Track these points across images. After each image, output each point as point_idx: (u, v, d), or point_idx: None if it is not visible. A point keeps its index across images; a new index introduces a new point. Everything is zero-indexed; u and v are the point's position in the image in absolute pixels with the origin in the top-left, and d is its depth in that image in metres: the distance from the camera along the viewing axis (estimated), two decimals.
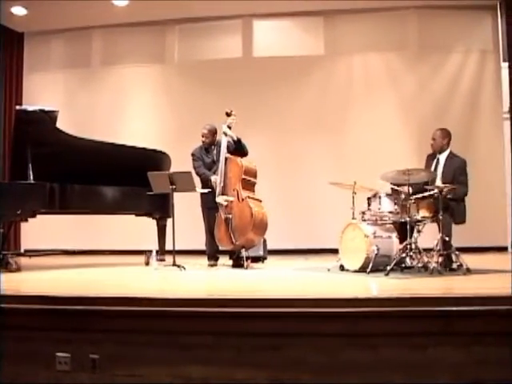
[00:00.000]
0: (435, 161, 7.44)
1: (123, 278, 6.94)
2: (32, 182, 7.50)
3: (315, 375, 4.30)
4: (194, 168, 8.16)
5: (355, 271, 6.98)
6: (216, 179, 8.02)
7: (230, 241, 7.85)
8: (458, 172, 7.21)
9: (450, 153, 7.40)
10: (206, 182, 8.17)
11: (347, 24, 11.44)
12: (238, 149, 8.15)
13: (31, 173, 7.52)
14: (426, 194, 6.85)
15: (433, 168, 7.37)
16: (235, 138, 8.12)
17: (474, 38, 11.04)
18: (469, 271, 6.53)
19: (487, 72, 11.01)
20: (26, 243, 11.89)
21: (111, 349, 4.52)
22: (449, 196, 6.92)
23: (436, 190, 6.75)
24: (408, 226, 6.77)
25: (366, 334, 4.31)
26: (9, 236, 9.76)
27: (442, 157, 7.39)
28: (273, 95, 11.22)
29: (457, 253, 6.73)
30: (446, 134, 7.46)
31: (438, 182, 7.09)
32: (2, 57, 12.16)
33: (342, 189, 7.74)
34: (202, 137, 8.29)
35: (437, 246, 6.63)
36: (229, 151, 8.09)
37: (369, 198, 7.25)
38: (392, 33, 11.29)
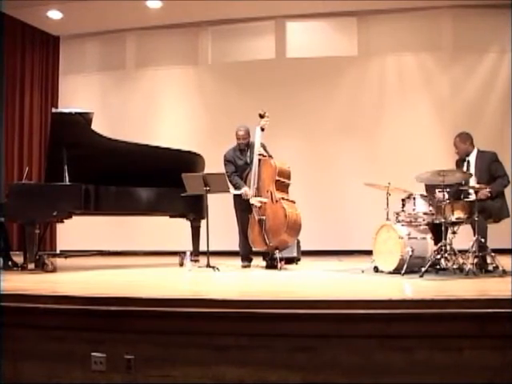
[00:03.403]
0: (465, 163, 7.36)
1: (157, 279, 6.98)
2: (68, 183, 7.57)
3: (349, 377, 4.28)
4: (227, 175, 8.13)
5: (389, 273, 6.95)
6: (246, 191, 8.03)
7: (264, 242, 7.84)
8: (493, 167, 7.13)
9: (478, 151, 7.33)
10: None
11: (380, 24, 11.40)
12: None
13: (67, 174, 7.59)
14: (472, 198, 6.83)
15: (464, 170, 7.30)
16: (265, 154, 8.13)
17: (510, 38, 10.90)
18: (505, 273, 6.48)
19: None
20: (61, 244, 12.05)
21: (146, 349, 4.55)
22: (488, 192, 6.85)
23: (472, 192, 6.74)
24: (443, 228, 6.71)
25: (401, 335, 4.29)
26: (45, 237, 9.91)
27: (472, 158, 7.31)
28: (306, 96, 11.22)
29: (492, 254, 6.68)
30: (465, 137, 7.38)
31: (472, 183, 7.01)
32: (39, 60, 12.32)
33: (376, 190, 7.71)
34: (239, 139, 8.28)
35: (472, 247, 6.57)
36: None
37: (403, 199, 7.21)
38: (426, 33, 11.22)
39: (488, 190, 6.85)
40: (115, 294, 5.08)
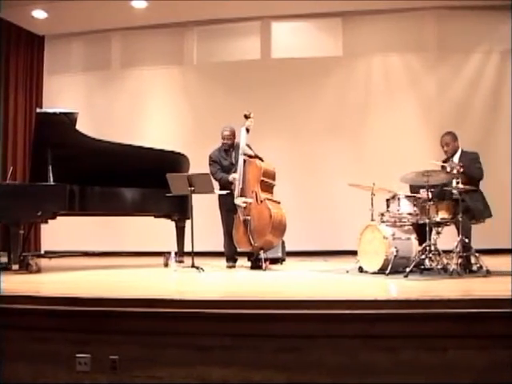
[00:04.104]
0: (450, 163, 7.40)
1: (142, 280, 6.96)
2: (52, 183, 7.55)
3: (334, 377, 4.29)
4: (212, 174, 8.14)
5: (374, 273, 6.97)
6: (235, 176, 8.03)
7: (249, 242, 7.85)
8: (472, 163, 7.15)
9: (462, 151, 7.38)
10: (224, 185, 8.18)
11: (366, 25, 11.41)
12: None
13: (51, 174, 7.57)
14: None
15: (448, 169, 7.31)
16: (252, 154, 8.13)
17: (494, 39, 10.96)
18: (489, 273, 6.50)
19: (507, 73, 10.91)
20: (46, 245, 11.97)
21: (131, 350, 4.54)
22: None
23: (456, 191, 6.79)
24: (427, 228, 6.75)
25: (386, 336, 4.30)
26: (29, 237, 9.86)
27: (456, 158, 7.34)
28: (291, 97, 11.22)
29: (477, 255, 6.70)
30: (455, 136, 7.45)
31: (454, 183, 7.01)
32: (23, 59, 12.25)
33: (361, 190, 7.73)
34: (224, 139, 8.30)
35: (456, 247, 6.60)
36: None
37: (388, 200, 7.23)
38: (411, 34, 11.24)
39: (461, 164, 6.90)
40: (100, 295, 5.07)
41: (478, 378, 4.19)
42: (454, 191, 6.92)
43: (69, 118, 7.69)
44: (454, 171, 6.83)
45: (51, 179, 7.56)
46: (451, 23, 11.09)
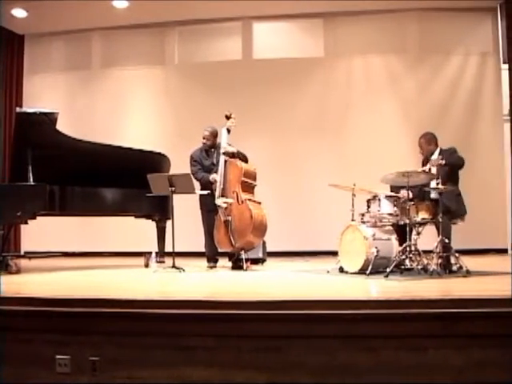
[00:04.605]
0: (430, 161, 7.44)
1: (123, 280, 6.93)
2: (32, 183, 7.50)
3: (315, 377, 4.29)
4: (193, 173, 8.10)
5: (354, 273, 6.98)
6: (215, 177, 8.01)
7: (230, 243, 7.85)
8: (451, 156, 7.17)
9: (440, 150, 7.40)
10: (205, 185, 8.17)
11: (347, 26, 11.45)
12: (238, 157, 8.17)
13: (31, 175, 7.52)
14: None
15: (427, 169, 7.33)
16: (234, 150, 8.11)
17: (474, 40, 11.06)
18: (468, 273, 6.54)
19: (487, 74, 11.03)
20: (26, 245, 11.89)
21: (111, 351, 4.52)
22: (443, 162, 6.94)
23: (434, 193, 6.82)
24: (407, 228, 6.77)
25: (366, 336, 4.31)
26: (9, 238, 9.78)
27: (434, 157, 7.36)
28: (273, 97, 11.22)
29: (456, 255, 6.74)
30: (430, 138, 7.46)
31: (433, 184, 7.04)
32: (3, 59, 12.16)
33: (342, 191, 7.74)
34: (203, 139, 8.28)
35: (436, 248, 6.63)
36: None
37: (368, 200, 7.25)
38: (392, 35, 11.30)
39: (441, 158, 6.96)
40: (80, 296, 5.05)
41: (458, 377, 4.21)
42: (432, 191, 6.95)
43: (49, 118, 7.65)
44: (433, 170, 6.88)
45: (31, 179, 7.51)
46: (431, 25, 11.16)
